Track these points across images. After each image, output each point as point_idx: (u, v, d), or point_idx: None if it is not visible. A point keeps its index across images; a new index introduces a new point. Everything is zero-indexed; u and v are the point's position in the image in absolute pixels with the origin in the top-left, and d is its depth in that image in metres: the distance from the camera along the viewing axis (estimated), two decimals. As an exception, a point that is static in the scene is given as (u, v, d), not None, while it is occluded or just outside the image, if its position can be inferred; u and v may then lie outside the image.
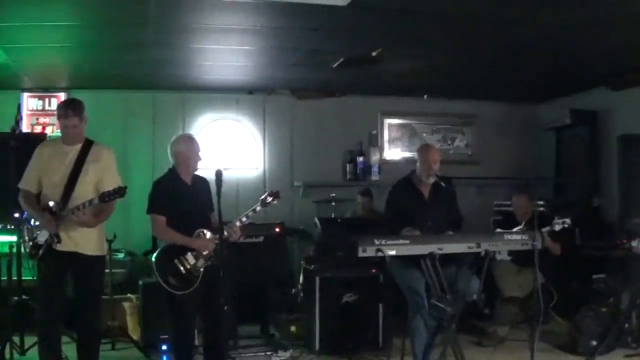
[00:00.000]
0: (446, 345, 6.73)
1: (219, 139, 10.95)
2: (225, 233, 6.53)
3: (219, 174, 6.16)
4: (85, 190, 6.26)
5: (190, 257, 6.47)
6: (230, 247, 6.56)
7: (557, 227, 8.49)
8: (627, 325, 8.44)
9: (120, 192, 6.09)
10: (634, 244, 8.73)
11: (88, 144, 6.44)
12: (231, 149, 11.04)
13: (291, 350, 8.35)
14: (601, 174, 11.07)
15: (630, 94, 10.38)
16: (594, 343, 8.16)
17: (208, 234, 6.56)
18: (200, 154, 6.82)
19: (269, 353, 8.28)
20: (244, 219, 6.69)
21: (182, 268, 6.43)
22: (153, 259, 6.53)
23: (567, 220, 8.46)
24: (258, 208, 6.80)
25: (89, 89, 9.95)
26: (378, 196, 10.35)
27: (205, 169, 6.90)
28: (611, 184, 10.09)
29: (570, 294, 9.79)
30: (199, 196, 6.74)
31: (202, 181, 6.85)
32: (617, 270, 9.23)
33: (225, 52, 8.35)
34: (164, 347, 8.03)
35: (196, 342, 7.26)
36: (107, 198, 6.06)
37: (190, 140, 6.92)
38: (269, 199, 6.84)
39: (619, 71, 9.89)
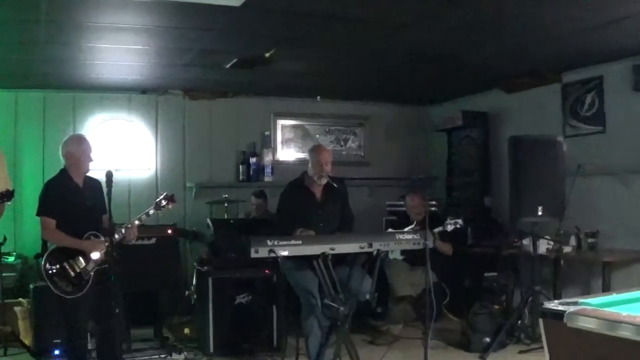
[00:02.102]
0: (340, 344, 6.77)
1: (110, 139, 10.73)
2: (123, 232, 6.50)
3: (109, 175, 6.11)
4: (-27, 193, 6.10)
5: (80, 260, 6.38)
6: (121, 250, 6.51)
7: (449, 228, 8.63)
8: (519, 321, 8.66)
9: (7, 196, 5.95)
10: (525, 242, 8.95)
11: (-24, 145, 6.30)
12: (123, 149, 10.83)
13: (185, 353, 8.30)
14: (492, 175, 11.30)
15: (520, 97, 10.64)
16: (487, 340, 8.32)
17: (100, 238, 6.47)
18: (92, 154, 6.73)
19: (162, 356, 8.22)
20: (136, 222, 6.64)
21: (72, 271, 6.33)
22: (42, 262, 6.41)
23: (459, 221, 8.61)
24: (151, 211, 6.77)
25: (-23, 88, 9.73)
26: (271, 197, 10.34)
27: (96, 170, 6.82)
28: (502, 184, 10.28)
29: (463, 292, 9.98)
30: (90, 198, 6.64)
31: (94, 183, 6.77)
32: (508, 269, 9.45)
33: (118, 51, 8.23)
34: (57, 352, 7.93)
35: (89, 346, 7.15)
36: (-5, 202, 5.93)
37: (81, 140, 6.81)
38: (164, 203, 6.82)
39: (512, 74, 10.10)
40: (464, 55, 8.78)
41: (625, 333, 3.07)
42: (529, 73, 9.93)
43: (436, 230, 8.43)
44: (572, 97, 9.72)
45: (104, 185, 6.27)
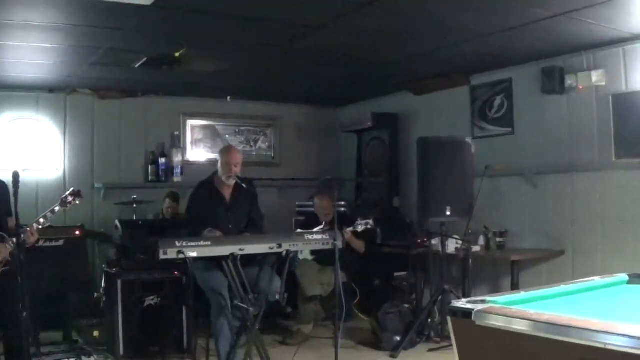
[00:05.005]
0: (251, 345, 6.80)
1: (18, 139, 10.49)
2: (22, 237, 6.38)
3: (16, 176, 5.99)
4: None
5: (-16, 262, 6.27)
6: (28, 251, 6.41)
7: (360, 228, 8.72)
8: (429, 320, 8.78)
9: None
10: (434, 242, 9.06)
11: None
12: (31, 149, 10.60)
13: (95, 356, 8.20)
14: (401, 176, 11.43)
15: (430, 99, 10.79)
16: (397, 339, 8.42)
17: (5, 239, 6.35)
18: (-2, 156, 6.64)
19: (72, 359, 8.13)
20: (42, 221, 6.53)
21: (-24, 274, 6.23)
22: (-55, 265, 6.29)
23: (370, 222, 8.72)
24: (57, 208, 6.64)
25: None
26: (181, 198, 10.28)
27: (3, 170, 6.70)
28: (411, 185, 10.40)
29: (373, 292, 10.06)
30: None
31: (0, 184, 6.65)
32: (418, 268, 9.56)
33: (26, 49, 8.08)
34: (-38, 358, 7.77)
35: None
36: None
37: (-13, 141, 6.71)
38: (70, 199, 6.70)
39: (420, 77, 10.21)
40: (373, 57, 8.85)
41: (534, 331, 3.12)
42: (437, 75, 10.05)
43: (348, 230, 8.51)
44: (480, 99, 9.88)
45: (10, 186, 6.16)
